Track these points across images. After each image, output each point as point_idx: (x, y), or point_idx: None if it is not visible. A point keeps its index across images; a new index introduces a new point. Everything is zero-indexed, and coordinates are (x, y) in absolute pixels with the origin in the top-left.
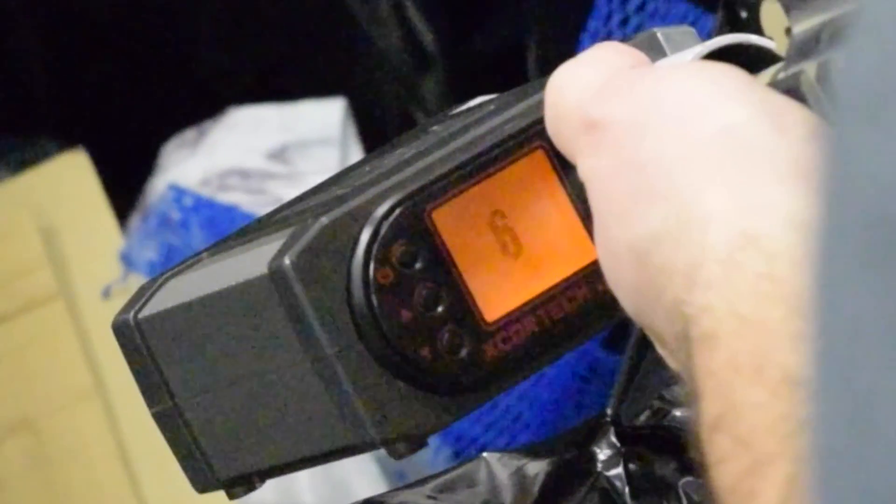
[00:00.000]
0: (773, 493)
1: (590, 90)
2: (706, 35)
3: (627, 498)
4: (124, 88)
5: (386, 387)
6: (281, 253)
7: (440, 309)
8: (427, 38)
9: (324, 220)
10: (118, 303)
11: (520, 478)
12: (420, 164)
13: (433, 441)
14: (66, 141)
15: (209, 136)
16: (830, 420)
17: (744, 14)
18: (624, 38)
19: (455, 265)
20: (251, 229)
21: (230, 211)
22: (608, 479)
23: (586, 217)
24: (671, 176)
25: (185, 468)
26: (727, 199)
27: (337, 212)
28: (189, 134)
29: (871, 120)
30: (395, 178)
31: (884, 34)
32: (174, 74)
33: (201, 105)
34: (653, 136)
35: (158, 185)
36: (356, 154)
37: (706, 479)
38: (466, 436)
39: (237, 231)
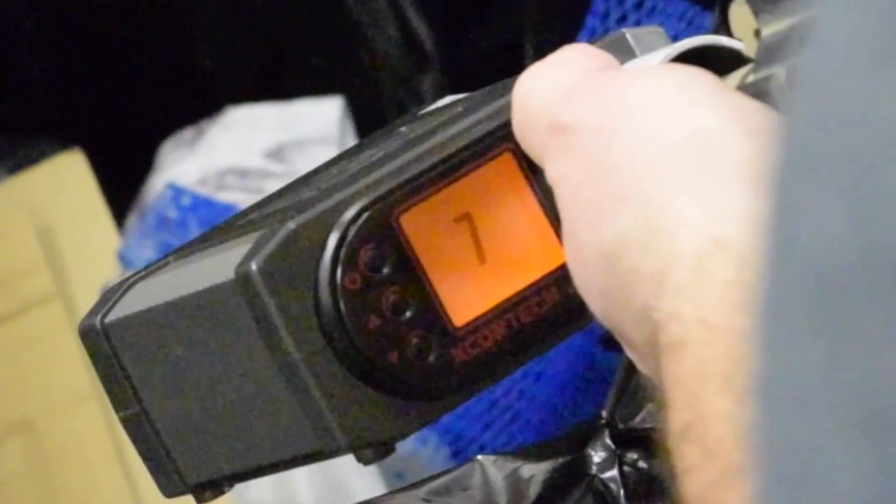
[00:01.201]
0: None
1: (557, 93)
2: (704, 33)
3: (622, 500)
4: (122, 88)
5: (354, 392)
6: (248, 258)
7: (408, 314)
8: (424, 37)
9: (291, 224)
10: None
11: (514, 480)
12: (387, 167)
13: (431, 440)
14: (63, 141)
15: (207, 136)
16: (775, 481)
17: None
18: (591, 40)
19: (423, 269)
20: (218, 232)
21: (228, 210)
22: (603, 481)
23: (555, 220)
24: (640, 181)
25: (154, 473)
26: (697, 205)
27: (304, 216)
28: (187, 133)
29: (811, 177)
30: (362, 182)
31: (826, 91)
32: (172, 74)
33: (199, 104)
34: (621, 140)
35: (156, 185)
36: None
37: (676, 487)
38: (465, 435)
39: (204, 233)
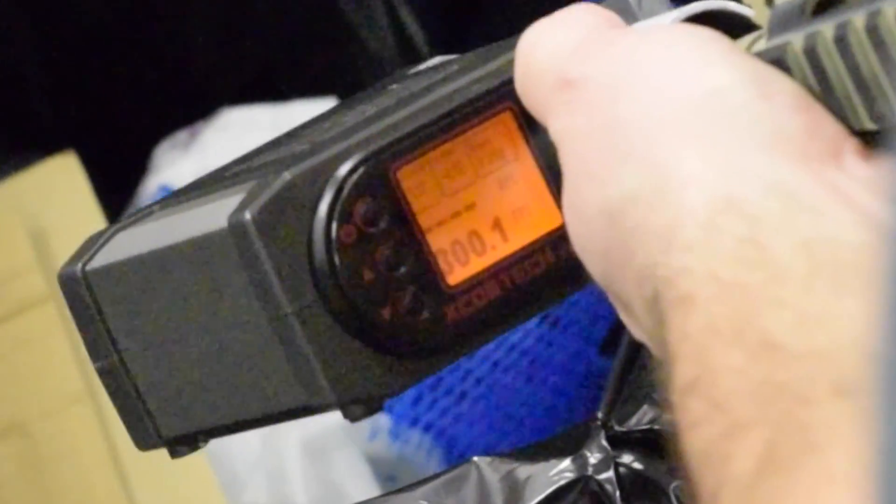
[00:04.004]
0: (750, 458)
1: (565, 49)
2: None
3: (618, 501)
4: (116, 90)
5: (344, 347)
6: (242, 207)
7: (402, 270)
8: (419, 39)
9: (287, 175)
10: None
11: (510, 482)
12: (385, 122)
13: (425, 442)
14: (57, 144)
15: (201, 138)
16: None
17: None
18: (596, 1)
19: (419, 226)
20: (205, 183)
21: None
22: (599, 482)
23: (552, 181)
24: (649, 137)
25: (128, 425)
26: (708, 163)
27: (300, 167)
28: (181, 135)
29: None
30: (359, 135)
31: None
32: (166, 76)
33: (193, 106)
34: (632, 95)
35: (151, 187)
36: None
37: (677, 445)
38: (459, 438)
39: (190, 184)
